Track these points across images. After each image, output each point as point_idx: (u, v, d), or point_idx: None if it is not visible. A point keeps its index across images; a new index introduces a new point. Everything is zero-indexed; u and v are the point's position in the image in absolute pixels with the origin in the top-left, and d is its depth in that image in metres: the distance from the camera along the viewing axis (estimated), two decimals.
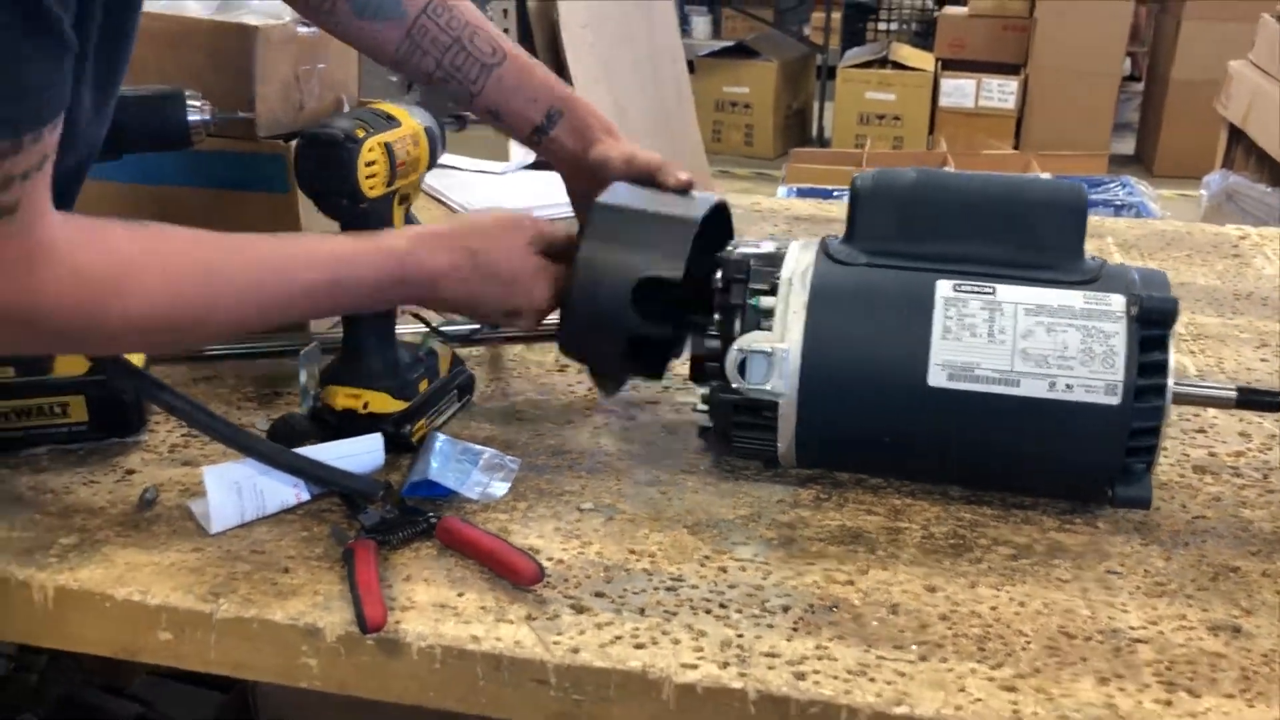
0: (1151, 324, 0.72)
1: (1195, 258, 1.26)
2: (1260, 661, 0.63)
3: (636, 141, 0.89)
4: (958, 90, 4.61)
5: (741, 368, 0.74)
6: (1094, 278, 0.75)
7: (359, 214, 0.78)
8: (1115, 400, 0.71)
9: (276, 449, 0.75)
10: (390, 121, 0.79)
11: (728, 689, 0.61)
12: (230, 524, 0.74)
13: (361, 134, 0.76)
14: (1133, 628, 0.66)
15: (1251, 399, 0.77)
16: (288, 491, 0.76)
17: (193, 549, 0.72)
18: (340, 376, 0.83)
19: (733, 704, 0.62)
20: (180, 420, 0.79)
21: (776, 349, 0.74)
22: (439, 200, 1.43)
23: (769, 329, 0.75)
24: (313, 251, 0.72)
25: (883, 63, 4.70)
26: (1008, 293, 0.73)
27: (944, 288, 0.74)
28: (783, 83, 4.74)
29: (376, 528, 0.72)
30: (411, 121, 0.81)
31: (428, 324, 0.91)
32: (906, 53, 4.76)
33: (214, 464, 0.76)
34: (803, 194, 2.76)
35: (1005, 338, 0.72)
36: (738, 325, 0.76)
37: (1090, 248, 1.28)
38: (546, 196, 1.39)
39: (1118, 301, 0.73)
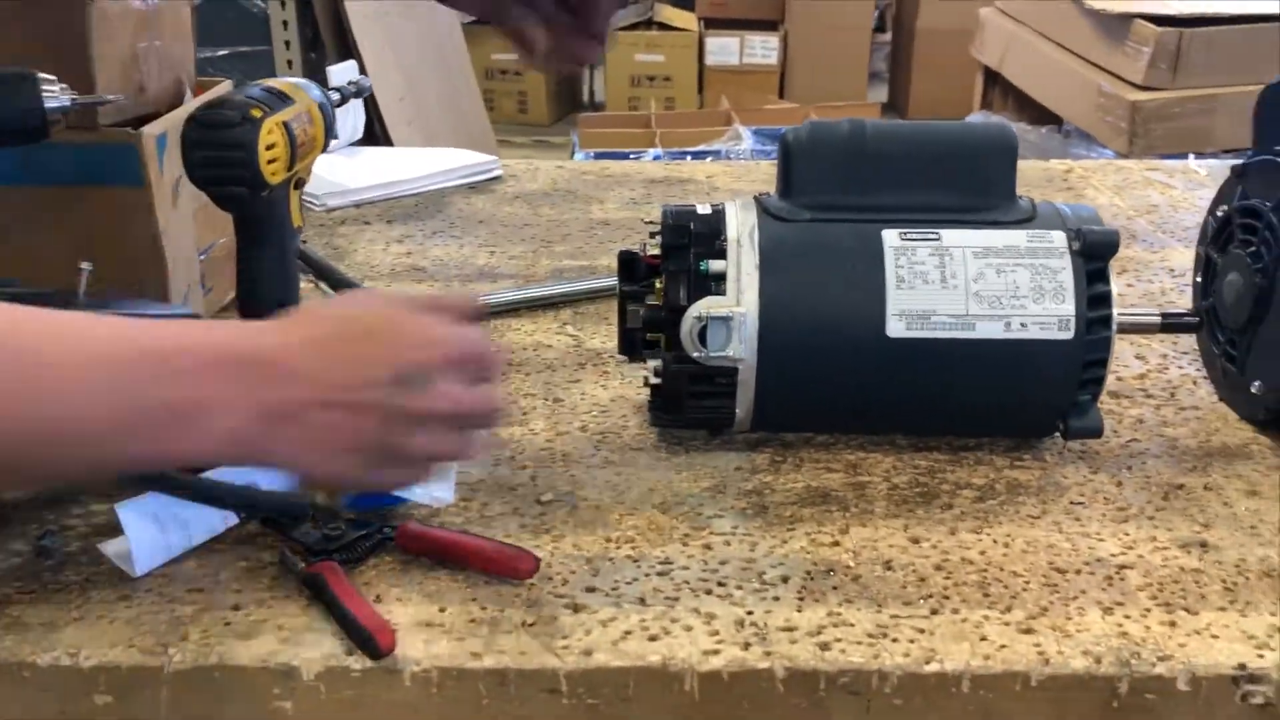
0: (1094, 257, 0.74)
1: (1035, 193, 1.30)
2: (1235, 572, 0.66)
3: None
4: (723, 49, 4.69)
5: (701, 335, 0.71)
6: (1030, 216, 0.76)
7: (259, 204, 0.71)
8: (1069, 335, 0.72)
9: (192, 479, 0.67)
10: (284, 99, 0.71)
11: (755, 670, 0.59)
12: (156, 563, 0.66)
13: (258, 114, 0.68)
14: (1114, 554, 0.67)
15: (1173, 322, 0.80)
16: (214, 518, 0.68)
17: (119, 597, 0.64)
18: None
19: (760, 684, 0.59)
20: None
21: (735, 313, 0.71)
22: None
23: (721, 293, 0.72)
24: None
25: (648, 24, 4.72)
26: (953, 237, 0.73)
27: (891, 237, 0.73)
28: None
29: (338, 547, 0.65)
30: (305, 97, 0.73)
31: None
32: (670, 13, 4.80)
33: (121, 500, 0.67)
34: (599, 157, 2.74)
35: (957, 282, 0.72)
36: (683, 292, 0.73)
37: None
38: (385, 176, 1.31)
39: (1059, 238, 0.74)
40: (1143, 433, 0.81)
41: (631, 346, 0.77)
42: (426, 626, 0.61)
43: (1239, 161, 0.84)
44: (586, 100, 5.03)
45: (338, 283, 1.01)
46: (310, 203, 1.26)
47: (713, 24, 4.72)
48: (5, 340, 0.50)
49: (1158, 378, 0.89)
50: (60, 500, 0.71)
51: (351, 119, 1.43)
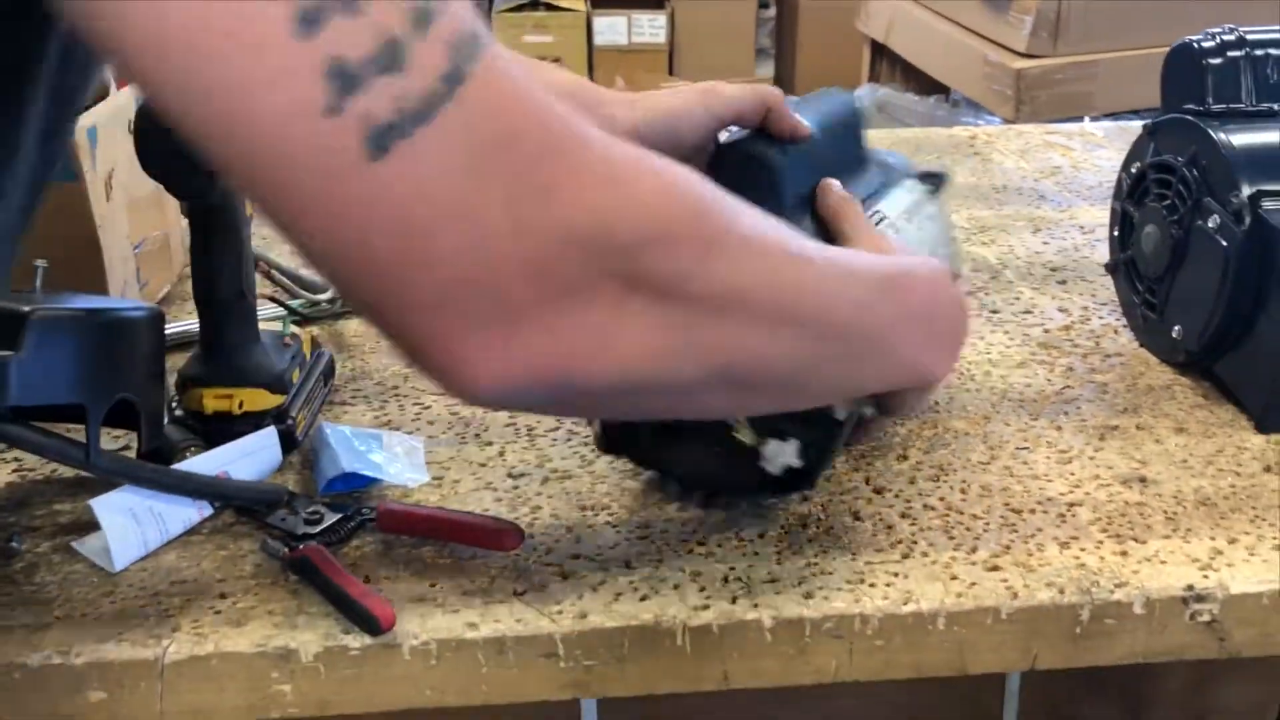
0: (938, 193, 0.79)
1: (945, 158, 1.36)
2: (1174, 503, 0.71)
3: None
4: (611, 28, 4.70)
5: None
6: (888, 170, 0.79)
7: (219, 195, 0.70)
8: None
9: (166, 471, 0.67)
10: None
11: (744, 621, 0.61)
12: (134, 557, 0.65)
13: None
14: (1063, 494, 0.72)
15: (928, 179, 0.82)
16: (189, 509, 0.68)
17: (102, 593, 0.63)
18: (203, 377, 0.74)
19: (749, 634, 0.62)
20: (34, 453, 0.68)
21: None
22: None
23: None
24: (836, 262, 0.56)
25: (535, 4, 4.70)
26: (885, 207, 0.77)
27: None
28: None
29: (320, 531, 0.66)
30: None
31: (284, 304, 0.83)
32: None
33: (96, 495, 0.66)
34: None
35: (918, 250, 0.76)
36: None
37: None
38: None
39: (915, 185, 0.78)
40: (1074, 380, 0.85)
41: None
42: (420, 601, 0.62)
43: (1150, 120, 0.89)
44: None
45: (294, 278, 1.00)
46: None
47: (600, 3, 4.72)
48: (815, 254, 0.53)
49: (1081, 328, 0.94)
50: (24, 503, 0.70)
51: None
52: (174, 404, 0.75)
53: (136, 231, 0.95)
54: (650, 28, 4.74)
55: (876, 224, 0.71)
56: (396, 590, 0.63)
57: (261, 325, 0.80)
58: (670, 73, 4.72)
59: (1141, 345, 0.90)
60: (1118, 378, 0.86)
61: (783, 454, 0.64)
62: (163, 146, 0.67)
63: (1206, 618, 0.64)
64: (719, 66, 4.47)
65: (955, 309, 0.62)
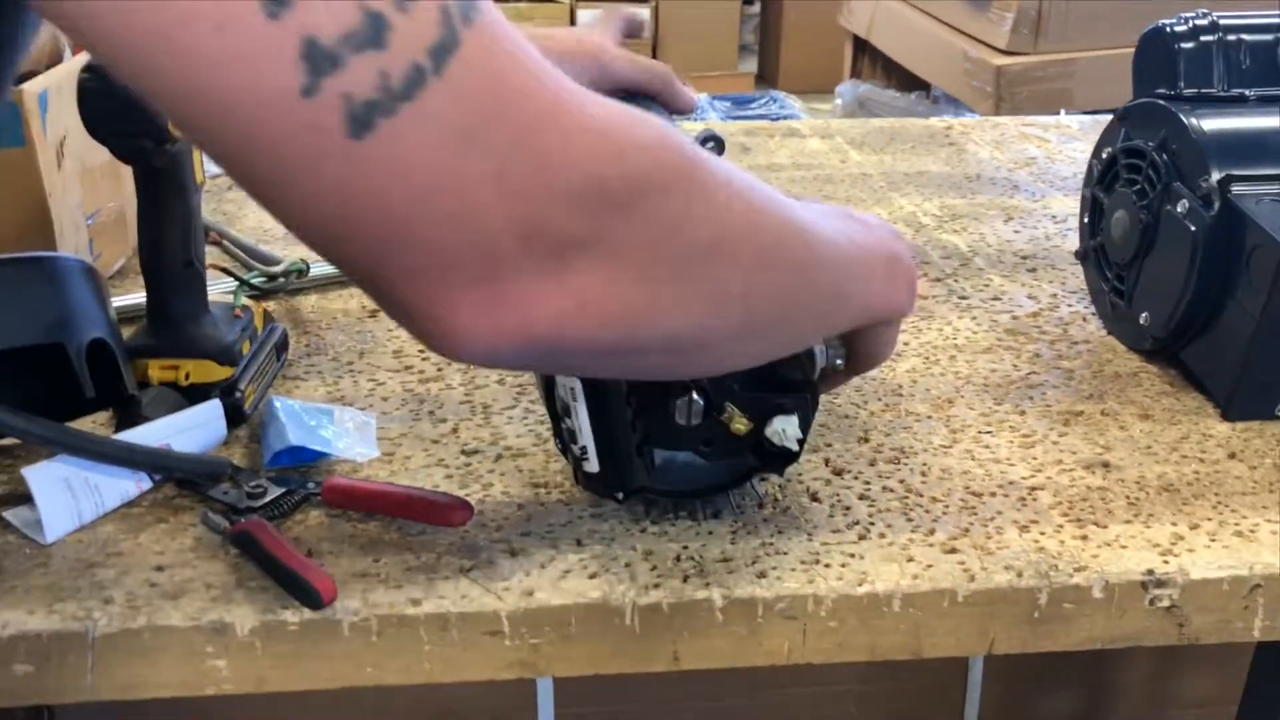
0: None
1: (920, 149, 1.35)
2: (1136, 489, 0.70)
3: None
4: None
5: None
6: None
7: (162, 157, 0.68)
8: None
9: (107, 441, 0.65)
10: None
11: (694, 600, 0.60)
12: (68, 529, 0.63)
13: None
14: (1025, 477, 0.70)
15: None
16: (127, 482, 0.66)
17: (34, 564, 0.61)
18: (150, 347, 0.72)
19: (700, 614, 0.60)
20: None
21: None
22: None
23: None
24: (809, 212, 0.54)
25: None
26: None
27: None
28: None
29: (263, 504, 0.64)
30: None
31: (237, 276, 0.81)
32: None
33: (27, 465, 0.64)
34: None
35: None
36: None
37: (827, 148, 1.35)
38: None
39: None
40: (1040, 366, 0.84)
41: None
42: (363, 577, 0.61)
43: (1121, 106, 0.88)
44: None
45: (249, 250, 0.98)
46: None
47: None
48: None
49: (1049, 315, 0.92)
50: None
51: None
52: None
53: (90, 202, 0.92)
54: None
55: None
56: (339, 566, 0.61)
57: (214, 298, 0.78)
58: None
59: (1110, 333, 0.89)
60: (1084, 364, 0.85)
61: (789, 427, 0.63)
62: (106, 105, 0.65)
63: (1166, 603, 0.63)
64: (702, 62, 4.46)
65: (903, 248, 0.62)
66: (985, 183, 1.23)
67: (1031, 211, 1.15)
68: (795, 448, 0.62)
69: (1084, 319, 0.92)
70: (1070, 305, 0.94)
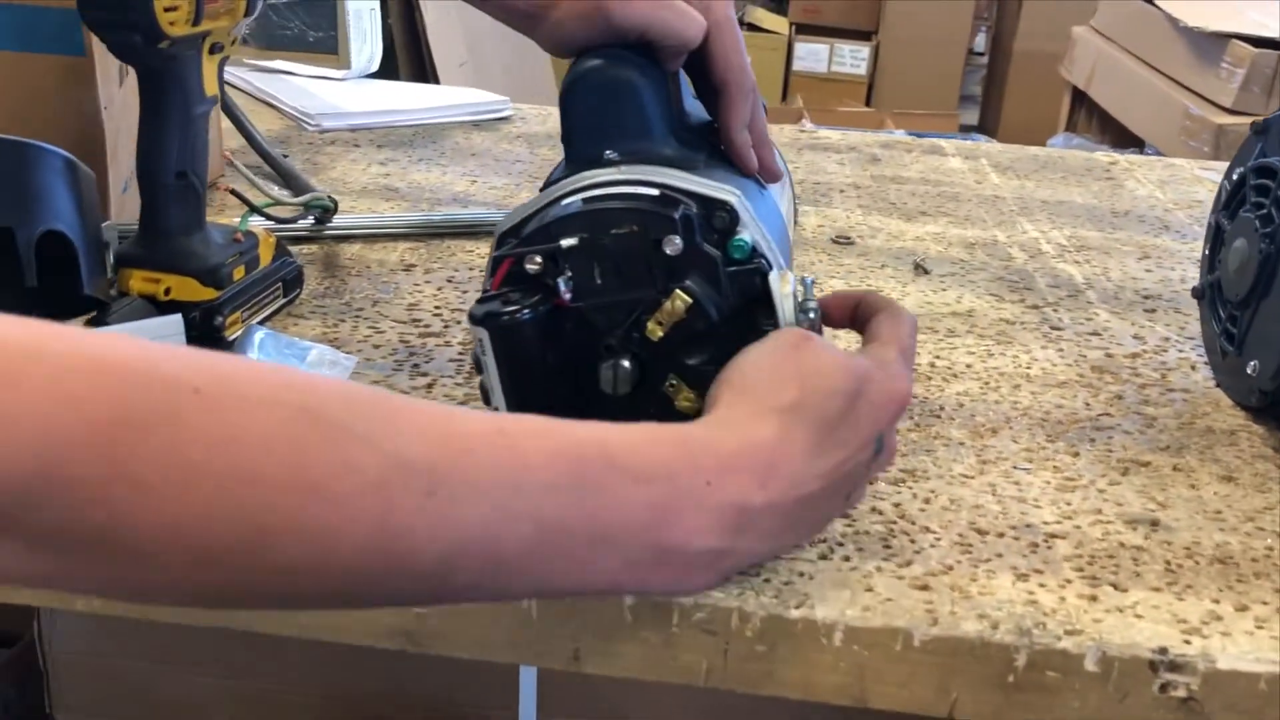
0: None
1: (1070, 179, 1.22)
2: (1184, 554, 0.57)
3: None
4: (811, 54, 4.62)
5: None
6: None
7: (159, 59, 0.66)
8: None
9: None
10: None
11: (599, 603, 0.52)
12: None
13: None
14: (1046, 523, 0.59)
15: None
16: None
17: None
18: (137, 258, 0.70)
19: (606, 612, 0.52)
20: None
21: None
22: (271, 105, 1.29)
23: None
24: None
25: (739, 24, 4.65)
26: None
27: None
28: None
29: None
30: None
31: (248, 202, 0.78)
32: (761, 15, 4.74)
33: None
34: None
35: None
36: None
37: (966, 168, 1.24)
38: (388, 105, 1.27)
39: None
40: (1118, 409, 0.72)
41: None
42: None
43: (1261, 118, 0.75)
44: None
45: (300, 189, 0.97)
46: (304, 122, 1.23)
47: (804, 29, 4.64)
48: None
49: (1151, 358, 0.80)
50: None
51: (369, 49, 1.39)
52: (111, 282, 0.71)
53: None
54: (852, 58, 4.62)
55: None
56: None
57: (224, 219, 0.76)
58: (868, 103, 4.60)
59: (1218, 384, 0.76)
60: (1173, 414, 0.72)
61: None
62: None
63: (1182, 693, 0.51)
64: (919, 105, 4.32)
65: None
66: (1132, 219, 1.10)
67: (1174, 253, 1.01)
68: None
69: (1192, 367, 0.79)
70: (1181, 351, 0.81)
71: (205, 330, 0.70)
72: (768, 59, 4.58)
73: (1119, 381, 0.76)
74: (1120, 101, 2.92)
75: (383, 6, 2.61)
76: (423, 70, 2.44)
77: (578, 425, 0.44)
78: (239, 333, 0.71)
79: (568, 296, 0.55)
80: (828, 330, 0.59)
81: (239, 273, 0.73)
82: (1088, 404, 0.72)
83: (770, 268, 0.55)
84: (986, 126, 4.89)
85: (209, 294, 0.70)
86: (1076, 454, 0.66)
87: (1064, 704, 0.51)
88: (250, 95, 1.32)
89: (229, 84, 1.36)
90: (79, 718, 0.93)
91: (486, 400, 0.55)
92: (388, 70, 2.60)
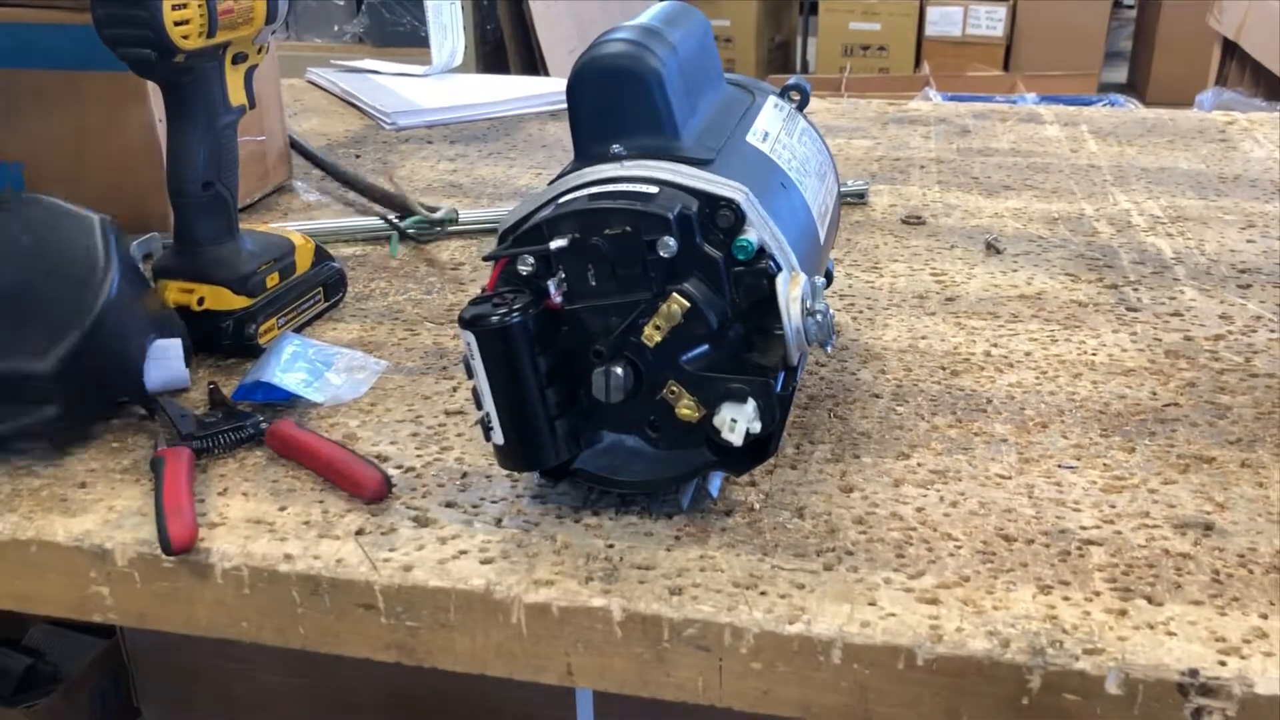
0: (804, 106, 0.68)
1: (1178, 143, 1.14)
2: (1236, 563, 0.52)
3: None
4: (944, 18, 4.46)
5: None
6: (749, 88, 0.67)
7: (178, 73, 0.67)
8: None
9: None
10: None
11: (587, 608, 0.50)
12: None
13: None
14: (1084, 528, 0.55)
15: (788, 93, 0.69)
16: None
17: None
18: (172, 269, 0.71)
19: (595, 626, 0.51)
20: None
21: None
22: (353, 104, 1.31)
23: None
24: None
25: None
26: (762, 124, 0.63)
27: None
28: (765, 15, 4.58)
29: (193, 433, 0.61)
30: None
31: (395, 225, 0.79)
32: None
33: None
34: None
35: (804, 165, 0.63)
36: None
37: (1064, 136, 1.17)
38: (463, 100, 1.27)
39: (781, 101, 0.67)
40: (1188, 397, 0.66)
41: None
42: (256, 524, 0.56)
43: None
44: (798, 68, 4.89)
45: (365, 189, 0.98)
46: (381, 121, 1.24)
47: None
48: None
49: (1236, 340, 0.73)
50: None
51: (449, 44, 1.40)
52: None
53: None
54: (988, 20, 4.44)
55: (761, 141, 0.60)
56: (244, 508, 0.57)
57: (260, 229, 0.77)
58: (1005, 68, 4.41)
59: None
60: (1250, 403, 0.66)
61: (740, 418, 0.52)
62: (110, 14, 0.64)
63: (1218, 719, 0.46)
64: (1060, 66, 4.12)
65: None
66: (1242, 184, 1.02)
67: None
68: (738, 442, 0.51)
69: None
70: (1273, 331, 0.74)
71: (238, 339, 0.71)
72: (899, 25, 4.45)
73: (1195, 367, 0.70)
74: (1275, 51, 2.72)
75: (475, 2, 2.64)
76: (532, 61, 2.45)
77: None
78: (272, 339, 0.72)
79: (559, 299, 0.53)
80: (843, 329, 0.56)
81: (272, 280, 0.73)
82: (1154, 393, 0.67)
83: (779, 269, 0.52)
84: (1135, 83, 4.65)
85: (242, 302, 0.71)
86: (1132, 449, 0.61)
87: None
88: (335, 96, 1.34)
89: (314, 84, 1.38)
90: (162, 711, 0.96)
91: (479, 405, 0.54)
92: (498, 62, 2.62)
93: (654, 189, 0.53)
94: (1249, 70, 2.98)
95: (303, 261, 0.76)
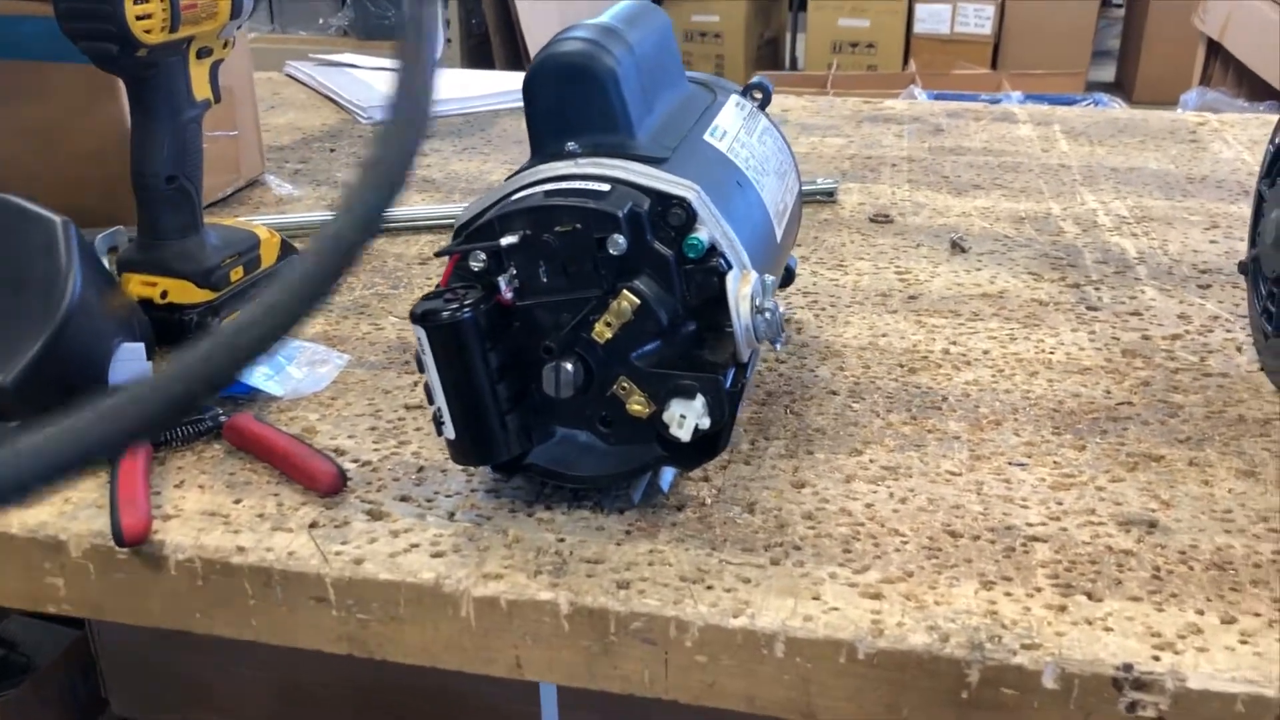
0: (765, 105, 0.69)
1: (1148, 143, 1.15)
2: (1177, 559, 0.53)
3: None
4: (933, 16, 4.47)
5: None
6: (710, 87, 0.68)
7: (141, 67, 0.67)
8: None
9: None
10: None
11: (534, 602, 0.51)
12: None
13: None
14: (1030, 525, 0.55)
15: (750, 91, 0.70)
16: None
17: None
18: (135, 262, 0.72)
19: (543, 619, 0.51)
20: None
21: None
22: (330, 98, 1.31)
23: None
24: None
25: None
26: (722, 123, 0.64)
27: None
28: (754, 11, 4.58)
29: None
30: None
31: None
32: None
33: None
34: None
35: (764, 164, 0.64)
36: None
37: (1035, 136, 1.18)
38: (443, 95, 1.28)
39: (742, 100, 0.68)
40: (1142, 397, 0.67)
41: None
42: (210, 516, 0.56)
43: None
44: (787, 65, 4.90)
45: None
46: (357, 115, 1.24)
47: None
48: None
49: (1193, 340, 0.74)
50: None
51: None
52: None
53: None
54: (976, 18, 4.45)
55: (719, 139, 0.61)
56: (199, 501, 0.57)
57: (227, 223, 0.77)
58: (993, 66, 4.42)
59: (1261, 368, 0.70)
60: (1202, 402, 0.67)
61: (689, 414, 0.52)
62: (71, 7, 0.64)
63: (1152, 714, 0.47)
64: (1048, 65, 4.14)
65: None
66: (1209, 185, 1.02)
67: (1248, 222, 0.94)
68: (687, 438, 0.52)
69: (1238, 349, 0.73)
70: (1229, 331, 0.75)
71: (200, 333, 0.71)
72: (887, 23, 4.46)
73: (1150, 366, 0.71)
74: (1256, 52, 2.74)
75: None
76: (517, 55, 2.45)
77: None
78: None
79: (510, 295, 0.54)
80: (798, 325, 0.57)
81: (237, 274, 0.74)
82: (1108, 392, 0.68)
83: (729, 267, 0.53)
84: (1123, 83, 4.66)
85: (205, 296, 0.71)
86: (1083, 447, 0.62)
87: None
88: (313, 89, 1.34)
89: (292, 78, 1.38)
90: (132, 706, 0.97)
91: (430, 400, 0.54)
92: (482, 57, 2.62)
93: (606, 187, 0.54)
94: (1232, 70, 3.00)
95: (268, 255, 0.77)
